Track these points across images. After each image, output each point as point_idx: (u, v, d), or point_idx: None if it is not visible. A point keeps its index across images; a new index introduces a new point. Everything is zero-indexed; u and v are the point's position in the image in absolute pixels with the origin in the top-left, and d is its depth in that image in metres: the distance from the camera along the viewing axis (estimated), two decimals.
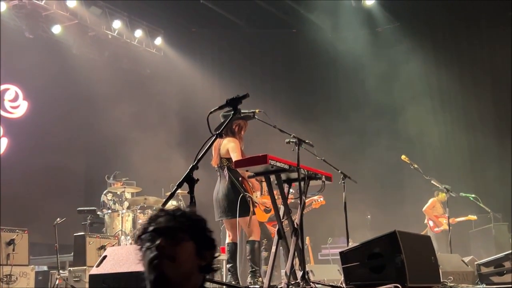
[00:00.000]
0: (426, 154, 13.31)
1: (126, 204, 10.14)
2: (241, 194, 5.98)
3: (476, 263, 7.47)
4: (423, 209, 11.67)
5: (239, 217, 5.91)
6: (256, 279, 6.03)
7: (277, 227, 5.44)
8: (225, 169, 6.18)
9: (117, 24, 12.82)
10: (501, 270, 7.04)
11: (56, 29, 12.11)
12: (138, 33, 13.40)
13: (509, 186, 11.99)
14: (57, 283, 7.83)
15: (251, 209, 6.01)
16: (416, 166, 8.94)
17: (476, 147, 13.64)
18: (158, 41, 13.97)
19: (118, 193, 10.27)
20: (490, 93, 13.86)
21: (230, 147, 6.10)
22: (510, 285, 6.62)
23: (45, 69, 11.55)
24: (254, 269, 6.09)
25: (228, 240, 6.33)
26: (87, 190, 12.80)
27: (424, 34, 14.52)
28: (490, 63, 13.90)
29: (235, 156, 5.92)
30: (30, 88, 11.92)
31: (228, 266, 6.22)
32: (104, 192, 10.48)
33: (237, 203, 5.90)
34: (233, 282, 5.98)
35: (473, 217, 11.50)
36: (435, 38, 14.58)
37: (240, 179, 6.07)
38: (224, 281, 7.44)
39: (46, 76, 11.60)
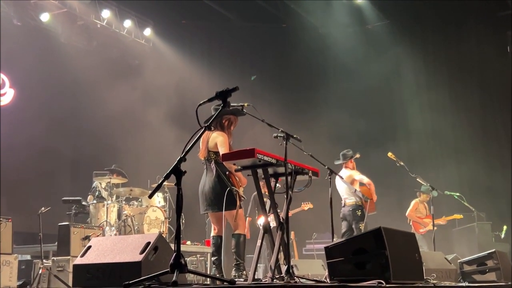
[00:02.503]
0: (412, 152, 13.34)
1: (114, 194, 10.03)
2: (228, 188, 5.97)
3: (459, 261, 7.54)
4: (407, 213, 11.48)
5: (225, 210, 5.90)
6: (240, 272, 6.03)
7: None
8: (213, 162, 6.17)
9: (106, 13, 12.74)
10: (483, 268, 7.11)
11: (45, 17, 11.99)
12: (127, 23, 13.34)
13: (494, 185, 12.09)
14: (40, 272, 7.78)
15: (238, 203, 6.01)
16: (402, 163, 9.01)
17: (462, 147, 13.70)
18: (147, 32, 13.91)
19: (106, 182, 10.14)
20: (478, 92, 13.95)
21: (218, 141, 6.09)
22: (492, 284, 6.69)
23: (33, 57, 11.45)
24: (238, 262, 6.09)
25: (213, 233, 6.33)
26: (73, 178, 12.72)
27: (413, 31, 14.57)
28: (479, 62, 13.97)
29: (223, 150, 5.91)
30: (17, 75, 11.80)
31: (212, 259, 6.23)
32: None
33: (223, 197, 5.89)
34: (217, 275, 5.98)
35: (459, 215, 11.53)
36: (425, 35, 14.63)
37: (227, 173, 6.06)
38: (209, 273, 7.44)
39: (33, 64, 11.49)
